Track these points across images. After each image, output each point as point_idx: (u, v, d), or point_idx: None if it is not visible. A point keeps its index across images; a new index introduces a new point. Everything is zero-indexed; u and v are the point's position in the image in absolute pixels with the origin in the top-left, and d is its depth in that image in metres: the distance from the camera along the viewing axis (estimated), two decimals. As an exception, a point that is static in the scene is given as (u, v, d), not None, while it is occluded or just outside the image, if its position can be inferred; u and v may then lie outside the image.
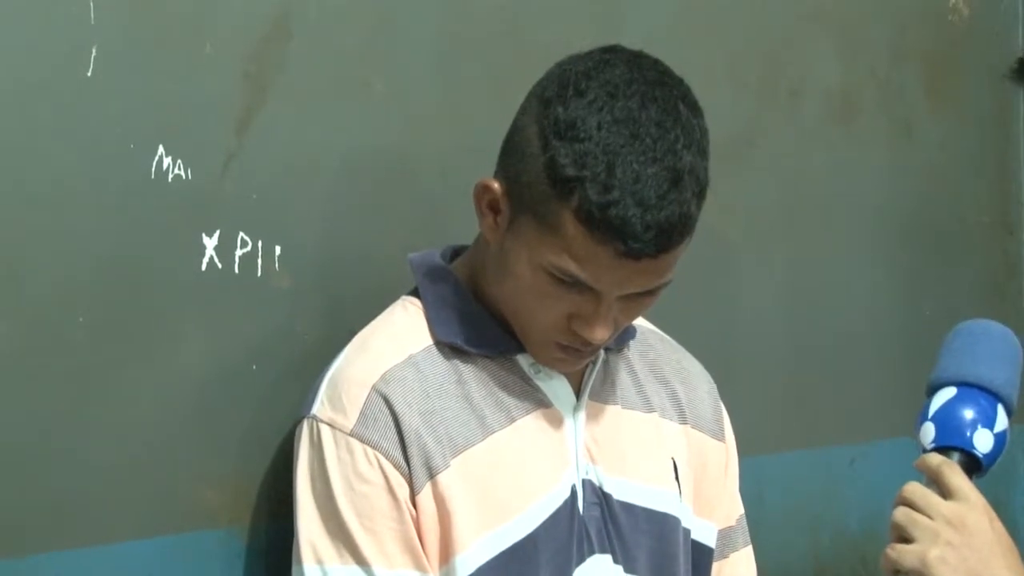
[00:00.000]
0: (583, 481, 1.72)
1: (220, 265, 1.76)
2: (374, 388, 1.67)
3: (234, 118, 1.77)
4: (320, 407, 1.69)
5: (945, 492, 1.43)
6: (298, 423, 1.72)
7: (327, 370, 1.72)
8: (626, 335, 1.79)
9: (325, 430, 1.68)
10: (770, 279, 2.35)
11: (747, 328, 2.33)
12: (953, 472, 1.44)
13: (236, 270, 1.78)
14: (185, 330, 1.75)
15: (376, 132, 1.90)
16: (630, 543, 1.73)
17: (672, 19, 2.22)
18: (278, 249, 1.81)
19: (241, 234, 1.78)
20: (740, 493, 1.91)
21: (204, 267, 1.76)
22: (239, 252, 1.78)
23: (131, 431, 1.72)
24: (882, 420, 2.50)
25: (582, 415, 1.74)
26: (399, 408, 1.66)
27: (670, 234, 1.59)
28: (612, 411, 1.77)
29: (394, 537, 1.65)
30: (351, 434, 1.66)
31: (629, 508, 1.74)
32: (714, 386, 1.88)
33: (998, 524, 1.44)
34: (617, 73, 1.62)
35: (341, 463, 1.66)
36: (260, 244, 1.79)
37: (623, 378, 1.79)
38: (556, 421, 1.73)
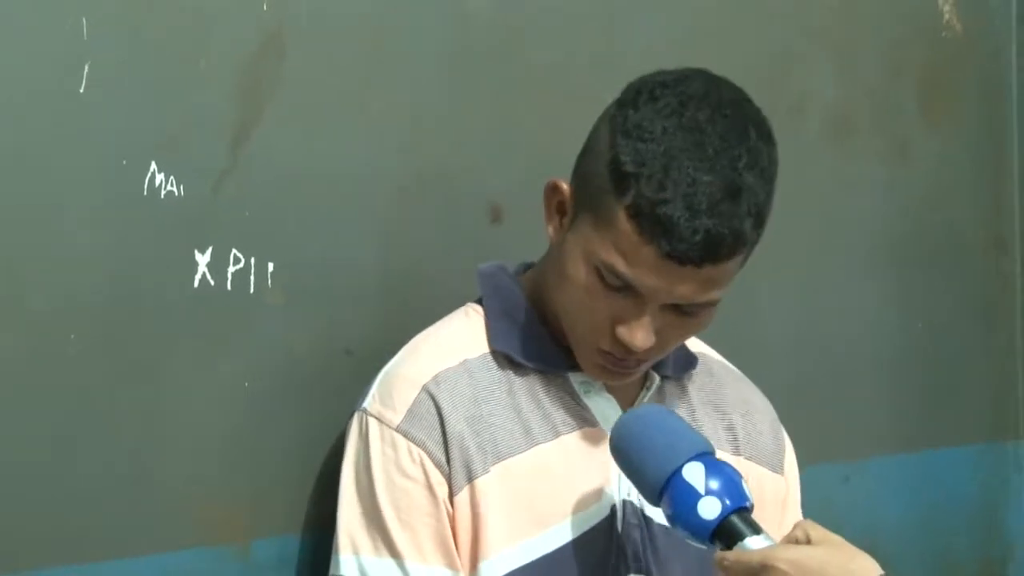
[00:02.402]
0: (624, 502, 1.72)
1: (213, 282, 1.76)
2: (424, 388, 1.69)
3: (227, 134, 1.77)
4: (371, 401, 1.72)
5: (756, 570, 1.51)
6: (351, 417, 1.74)
7: (384, 367, 1.74)
8: (685, 365, 1.79)
9: (373, 424, 1.70)
10: (764, 295, 2.34)
11: (741, 345, 2.31)
12: (749, 556, 1.52)
13: (229, 287, 1.77)
14: (177, 347, 1.74)
15: (371, 149, 1.90)
16: (667, 567, 1.73)
17: (670, 37, 2.21)
18: (271, 266, 1.80)
19: (234, 251, 1.77)
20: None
21: (196, 284, 1.74)
22: (232, 269, 1.77)
23: (120, 449, 1.71)
24: (877, 437, 2.50)
25: None
26: (446, 411, 1.68)
27: (717, 244, 1.59)
28: None
29: (430, 534, 1.67)
30: (397, 429, 1.68)
31: (670, 533, 1.71)
32: (776, 418, 1.88)
33: (804, 556, 1.51)
34: (694, 87, 1.64)
35: (384, 457, 1.68)
36: (253, 261, 1.78)
37: (675, 406, 1.79)
38: (602, 440, 1.72)
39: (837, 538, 1.55)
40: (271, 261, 1.80)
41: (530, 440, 1.71)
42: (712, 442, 1.77)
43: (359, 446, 1.71)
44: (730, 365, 1.88)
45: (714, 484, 1.55)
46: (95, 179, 1.67)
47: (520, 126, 1.99)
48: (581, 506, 1.71)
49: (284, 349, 1.82)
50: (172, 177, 1.71)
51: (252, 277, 1.79)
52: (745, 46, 2.29)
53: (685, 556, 1.73)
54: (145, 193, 1.70)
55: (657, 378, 1.77)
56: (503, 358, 1.73)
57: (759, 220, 1.63)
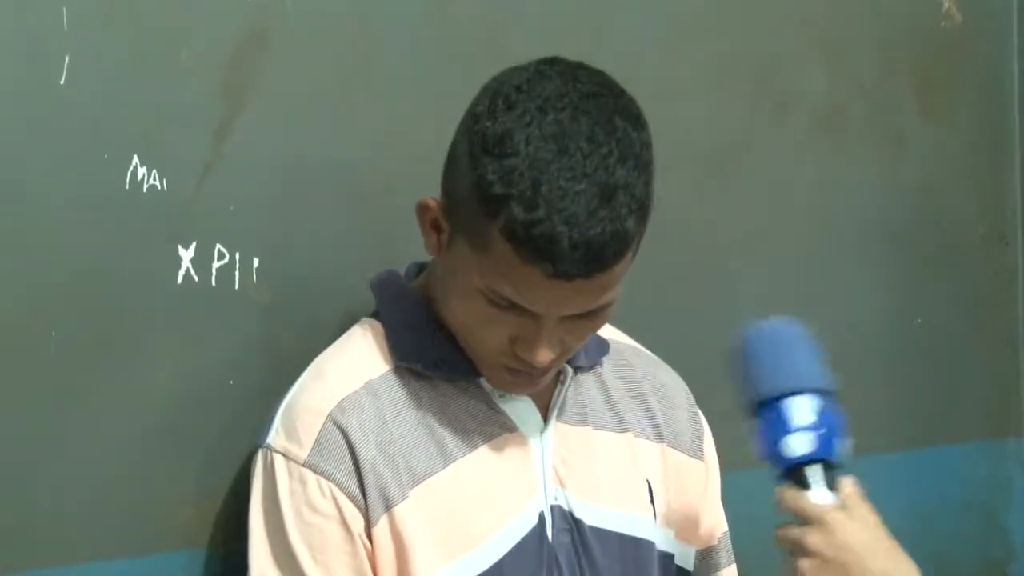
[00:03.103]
0: (552, 507, 1.70)
1: (197, 278, 1.75)
2: (330, 417, 1.65)
3: (211, 127, 1.76)
4: (275, 436, 1.67)
5: (807, 521, 1.52)
6: (254, 453, 1.70)
7: (283, 398, 1.70)
8: (597, 351, 1.77)
9: (279, 460, 1.65)
10: (757, 293, 2.33)
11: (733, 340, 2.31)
12: (806, 501, 1.52)
13: (213, 283, 1.76)
14: (160, 345, 1.74)
15: (358, 142, 1.89)
16: (602, 570, 1.70)
17: (660, 29, 2.21)
18: (256, 262, 1.79)
19: (218, 246, 1.76)
20: (727, 510, 1.89)
21: (180, 280, 1.74)
22: (216, 264, 1.76)
23: (104, 449, 1.71)
24: (874, 435, 2.46)
25: (550, 438, 1.71)
26: (355, 438, 1.64)
27: (601, 253, 1.54)
28: (582, 433, 1.74)
29: (347, 571, 1.63)
30: (304, 464, 1.64)
31: (601, 534, 1.71)
32: (692, 400, 1.85)
33: (856, 535, 1.51)
34: (550, 86, 1.58)
35: (293, 494, 1.64)
36: (238, 256, 1.78)
37: (594, 397, 1.77)
38: (522, 445, 1.70)
39: (886, 537, 1.53)
40: (256, 256, 1.79)
41: (446, 457, 1.66)
42: (633, 430, 1.77)
43: (265, 485, 1.66)
44: (642, 348, 1.85)
45: (823, 420, 1.53)
46: (76, 173, 1.67)
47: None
48: (508, 518, 1.67)
49: (270, 346, 1.81)
50: (155, 170, 1.71)
51: (237, 273, 1.78)
52: (735, 38, 2.28)
53: (620, 557, 1.72)
54: (127, 187, 1.70)
55: (571, 371, 1.73)
56: (408, 373, 1.68)
57: (641, 213, 1.57)
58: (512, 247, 1.54)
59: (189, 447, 1.77)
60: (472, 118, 1.61)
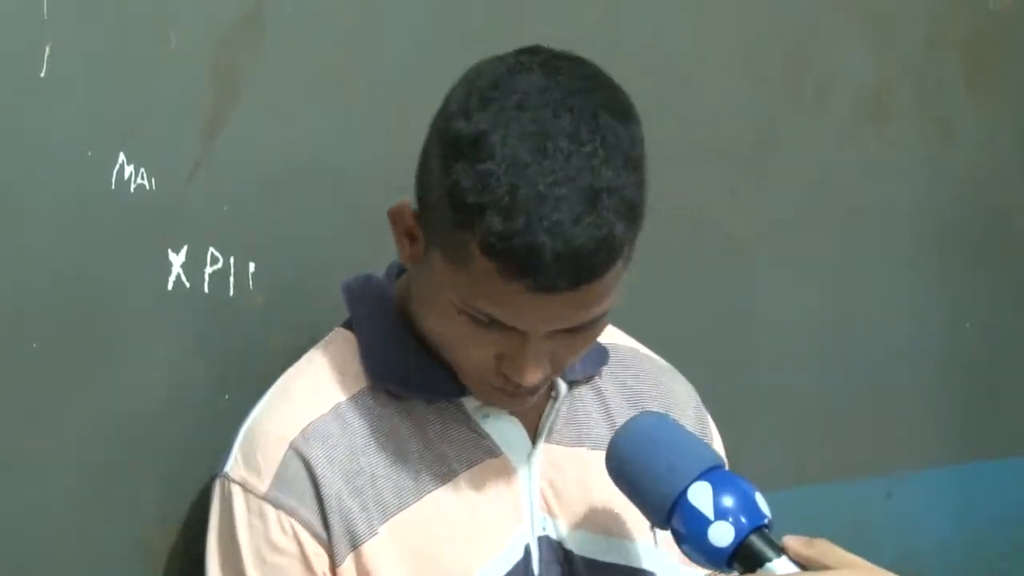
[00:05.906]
0: (539, 538, 1.68)
1: (188, 284, 1.76)
2: (292, 446, 1.63)
3: (202, 121, 1.77)
4: (233, 465, 1.65)
5: None
6: (212, 480, 1.69)
7: (245, 420, 1.68)
8: (595, 361, 1.74)
9: (236, 491, 1.64)
10: (794, 293, 2.34)
11: (768, 347, 2.32)
12: None
13: (206, 289, 1.77)
14: (150, 355, 1.75)
15: (359, 137, 1.90)
16: None
17: (684, 9, 2.21)
18: (252, 266, 1.81)
19: (211, 250, 1.77)
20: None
21: (171, 286, 1.75)
22: (209, 269, 1.78)
23: (90, 468, 1.71)
24: (921, 448, 2.49)
25: (538, 462, 1.70)
26: (319, 470, 1.62)
27: (589, 263, 1.50)
28: (576, 454, 1.72)
29: None
30: (264, 498, 1.62)
31: (595, 566, 1.70)
32: (702, 407, 1.83)
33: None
34: (530, 80, 1.54)
35: (252, 530, 1.62)
36: (232, 261, 1.79)
37: (591, 413, 1.75)
38: (506, 471, 1.68)
39: (861, 561, 1.51)
40: (252, 261, 1.80)
41: (420, 488, 1.64)
42: None
43: (222, 518, 1.64)
44: (649, 353, 1.83)
45: (725, 503, 1.51)
46: (58, 172, 1.67)
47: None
48: (490, 553, 1.65)
49: (267, 357, 1.80)
50: (142, 169, 1.71)
51: (231, 278, 1.79)
52: (768, 17, 2.28)
53: None
54: (113, 187, 1.70)
55: (564, 387, 1.72)
56: (382, 393, 1.66)
57: (632, 215, 1.53)
58: (490, 261, 1.51)
59: (181, 466, 1.77)
60: (443, 117, 1.57)
